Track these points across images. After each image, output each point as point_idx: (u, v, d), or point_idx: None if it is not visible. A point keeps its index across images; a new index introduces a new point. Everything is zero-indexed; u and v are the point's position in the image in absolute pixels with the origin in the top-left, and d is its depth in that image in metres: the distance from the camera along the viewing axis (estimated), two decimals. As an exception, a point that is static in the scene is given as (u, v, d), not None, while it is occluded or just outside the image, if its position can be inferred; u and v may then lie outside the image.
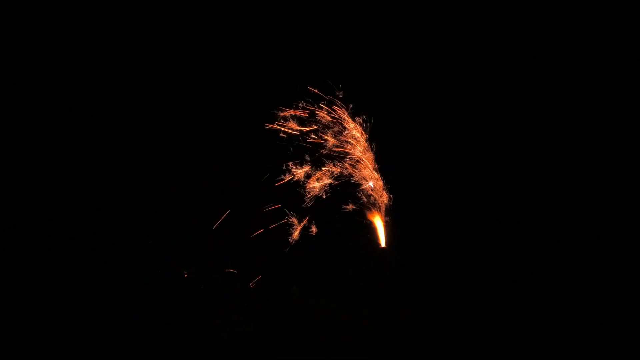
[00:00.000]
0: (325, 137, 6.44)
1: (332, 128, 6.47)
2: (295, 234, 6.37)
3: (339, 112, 6.43)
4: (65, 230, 6.48)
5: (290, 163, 6.37)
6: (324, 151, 6.39)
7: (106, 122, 6.74)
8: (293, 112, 6.39)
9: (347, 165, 6.45)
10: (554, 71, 6.78)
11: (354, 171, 6.43)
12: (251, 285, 6.35)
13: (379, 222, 6.32)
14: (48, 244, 6.42)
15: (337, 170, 6.38)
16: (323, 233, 6.48)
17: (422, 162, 6.82)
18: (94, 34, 6.79)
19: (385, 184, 6.42)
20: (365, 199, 6.39)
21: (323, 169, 6.38)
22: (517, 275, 6.36)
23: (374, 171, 6.40)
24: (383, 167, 6.52)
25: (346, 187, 6.46)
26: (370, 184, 6.31)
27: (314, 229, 6.37)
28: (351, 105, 6.48)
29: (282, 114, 6.37)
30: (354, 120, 6.48)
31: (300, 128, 6.39)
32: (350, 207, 6.41)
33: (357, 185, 6.45)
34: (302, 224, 6.38)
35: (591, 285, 6.13)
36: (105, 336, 5.77)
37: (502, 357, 5.46)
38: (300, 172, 6.36)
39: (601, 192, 6.55)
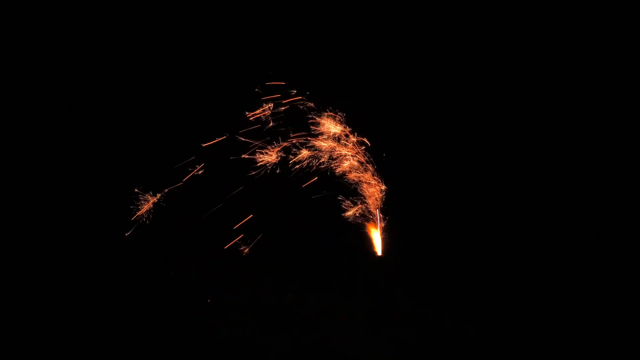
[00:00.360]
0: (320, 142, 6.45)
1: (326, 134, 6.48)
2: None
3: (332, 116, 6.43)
4: (65, 230, 6.48)
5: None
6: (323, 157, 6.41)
7: (106, 122, 6.73)
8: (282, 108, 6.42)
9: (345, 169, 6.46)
10: (554, 71, 6.78)
11: (350, 173, 6.43)
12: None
13: (374, 231, 6.30)
14: (48, 244, 6.42)
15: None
16: (322, 233, 6.47)
17: (421, 160, 6.82)
18: (94, 34, 6.78)
19: (381, 192, 6.40)
20: (359, 211, 6.38)
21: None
22: (517, 275, 6.36)
23: (371, 176, 6.39)
24: (379, 169, 6.49)
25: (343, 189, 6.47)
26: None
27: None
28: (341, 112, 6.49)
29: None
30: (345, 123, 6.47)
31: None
32: (350, 211, 6.41)
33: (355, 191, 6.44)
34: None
35: (591, 285, 6.13)
36: (105, 336, 5.78)
37: (502, 357, 5.46)
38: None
39: (601, 192, 6.55)
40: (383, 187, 6.41)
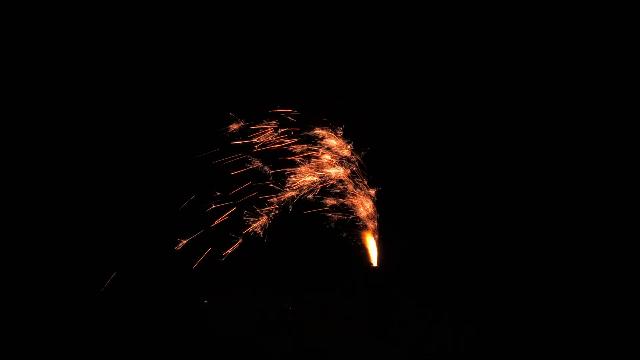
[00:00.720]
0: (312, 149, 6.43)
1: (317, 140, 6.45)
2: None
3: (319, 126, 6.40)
4: (65, 230, 6.48)
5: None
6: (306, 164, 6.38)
7: (106, 122, 6.73)
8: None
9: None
10: (554, 71, 6.78)
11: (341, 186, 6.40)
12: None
13: (370, 241, 6.26)
14: (48, 244, 6.42)
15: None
16: (322, 233, 6.46)
17: (420, 159, 6.82)
18: (94, 34, 6.78)
19: (375, 197, 6.36)
20: (354, 218, 6.35)
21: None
22: (517, 275, 6.36)
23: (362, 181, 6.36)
24: (374, 172, 6.44)
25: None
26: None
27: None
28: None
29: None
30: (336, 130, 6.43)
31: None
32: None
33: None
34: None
35: (591, 285, 6.13)
36: (105, 336, 5.78)
37: (502, 357, 5.46)
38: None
39: (601, 192, 6.55)
40: (373, 192, 6.35)
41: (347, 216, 6.36)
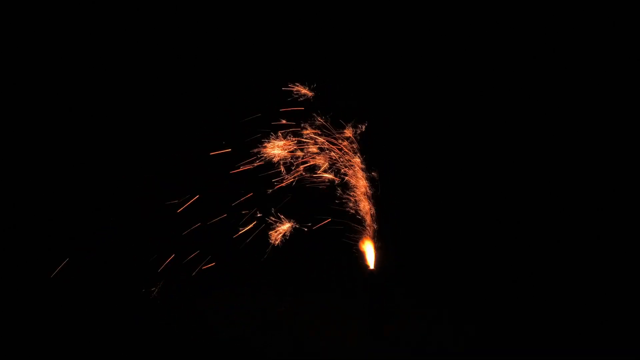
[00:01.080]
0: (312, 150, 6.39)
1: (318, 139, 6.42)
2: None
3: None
4: (65, 230, 6.48)
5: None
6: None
7: (106, 122, 6.73)
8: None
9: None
10: (554, 71, 6.78)
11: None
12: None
13: (367, 243, 6.24)
14: (48, 244, 6.42)
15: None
16: (323, 232, 6.45)
17: (420, 159, 6.83)
18: (94, 34, 6.78)
19: (374, 195, 6.32)
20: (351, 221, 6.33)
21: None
22: (517, 275, 6.36)
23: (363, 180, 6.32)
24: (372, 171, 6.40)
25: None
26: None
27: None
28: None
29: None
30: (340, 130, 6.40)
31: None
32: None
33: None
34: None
35: (591, 285, 6.14)
36: (105, 336, 5.78)
37: (502, 357, 5.46)
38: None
39: (601, 192, 6.55)
40: (371, 193, 6.31)
41: (345, 211, 6.35)
